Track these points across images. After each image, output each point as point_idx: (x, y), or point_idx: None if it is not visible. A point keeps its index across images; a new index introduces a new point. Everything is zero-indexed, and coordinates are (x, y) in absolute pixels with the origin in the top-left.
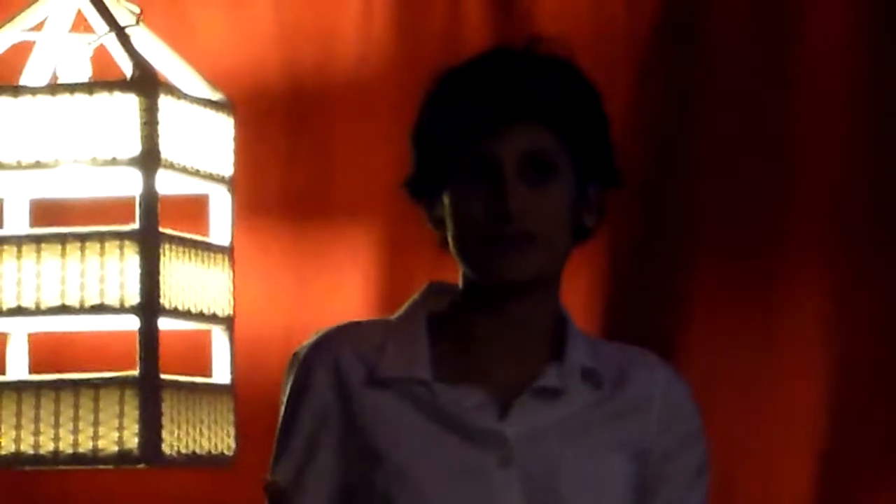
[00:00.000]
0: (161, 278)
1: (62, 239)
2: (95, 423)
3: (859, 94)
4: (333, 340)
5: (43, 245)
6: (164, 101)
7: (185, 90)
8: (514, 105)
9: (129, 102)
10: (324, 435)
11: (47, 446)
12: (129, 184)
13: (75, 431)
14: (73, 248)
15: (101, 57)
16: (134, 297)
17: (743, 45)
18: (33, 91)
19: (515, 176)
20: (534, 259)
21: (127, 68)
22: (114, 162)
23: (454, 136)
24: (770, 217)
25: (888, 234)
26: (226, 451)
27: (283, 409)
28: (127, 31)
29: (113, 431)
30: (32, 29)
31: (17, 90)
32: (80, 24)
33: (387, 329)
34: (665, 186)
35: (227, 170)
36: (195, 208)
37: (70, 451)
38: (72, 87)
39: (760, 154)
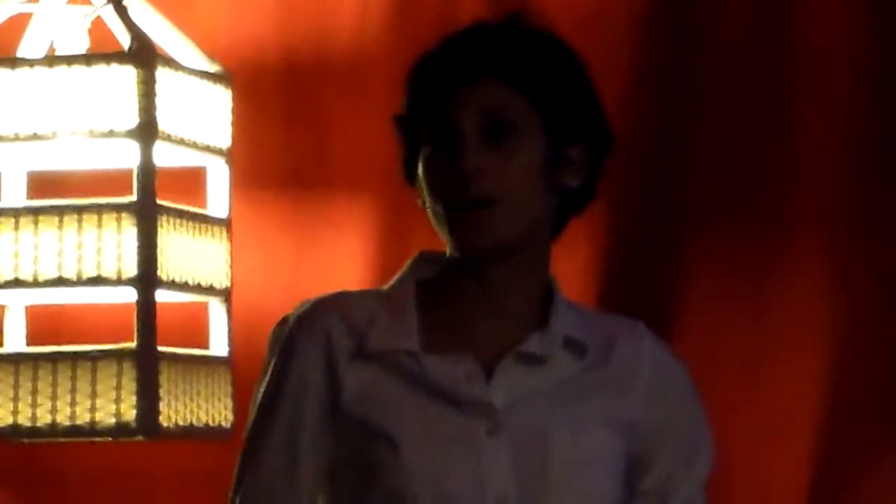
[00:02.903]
0: (158, 250)
1: (59, 211)
2: (93, 396)
3: (861, 86)
4: (322, 312)
5: (40, 217)
6: (162, 73)
7: (182, 62)
8: (470, 66)
9: (127, 74)
10: (309, 409)
11: (45, 418)
12: (127, 156)
13: (73, 404)
14: (70, 221)
15: (98, 29)
16: (131, 270)
17: (742, 30)
18: (31, 63)
19: (475, 136)
20: (496, 224)
21: (124, 40)
22: (111, 134)
23: (417, 106)
24: (770, 204)
25: (887, 226)
26: (223, 423)
27: (268, 375)
28: (124, 2)
29: (110, 404)
30: (30, 1)
31: (14, 62)
32: None
33: (377, 299)
34: (665, 169)
35: (225, 142)
36: (193, 180)
37: (67, 423)
38: (69, 59)
39: (761, 139)
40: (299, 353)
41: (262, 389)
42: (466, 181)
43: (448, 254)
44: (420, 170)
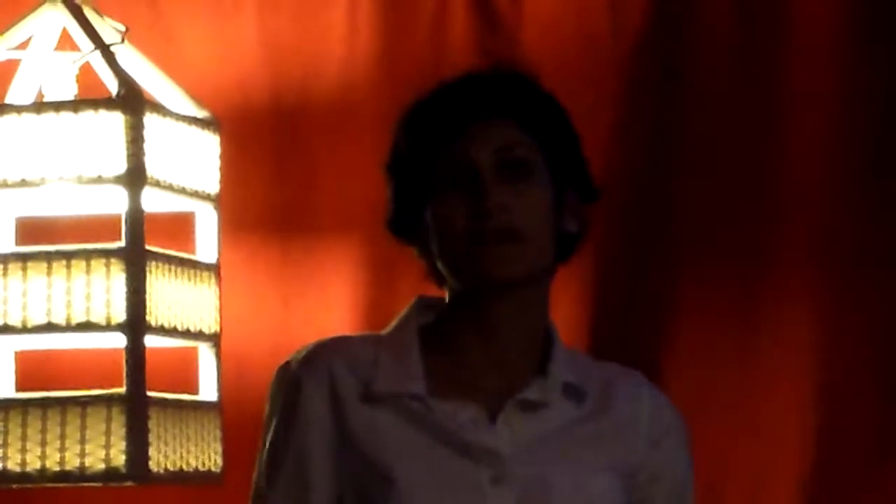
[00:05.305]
0: (147, 296)
1: (48, 257)
2: (82, 441)
3: (849, 108)
4: (326, 354)
5: (29, 263)
6: (150, 119)
7: (170, 108)
8: (481, 104)
9: (115, 120)
10: (317, 449)
11: (34, 464)
12: (115, 202)
13: (62, 449)
14: (59, 266)
15: (86, 75)
16: (120, 315)
17: (729, 56)
18: (19, 109)
19: (492, 173)
20: (518, 254)
21: (112, 86)
22: (99, 180)
23: (427, 145)
24: (756, 232)
25: (874, 250)
26: (213, 468)
27: (273, 420)
28: (112, 49)
29: (100, 449)
30: (18, 47)
31: (2, 108)
32: (66, 43)
33: (378, 343)
34: (651, 200)
35: (213, 187)
36: (181, 226)
37: (57, 468)
38: (57, 106)
39: (747, 168)
40: (305, 393)
41: (269, 434)
42: (490, 216)
43: (447, 298)
44: (430, 213)
